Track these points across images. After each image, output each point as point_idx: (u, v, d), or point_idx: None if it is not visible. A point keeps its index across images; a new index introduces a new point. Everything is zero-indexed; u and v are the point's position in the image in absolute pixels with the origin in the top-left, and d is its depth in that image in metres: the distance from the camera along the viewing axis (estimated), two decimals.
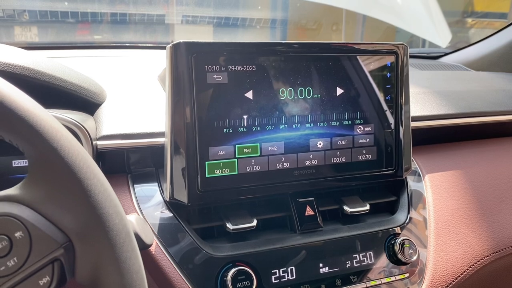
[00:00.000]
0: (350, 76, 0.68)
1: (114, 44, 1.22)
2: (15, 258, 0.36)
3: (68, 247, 0.38)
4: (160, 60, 1.04)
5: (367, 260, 0.67)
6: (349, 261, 0.66)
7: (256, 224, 0.64)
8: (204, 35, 1.58)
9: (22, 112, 0.37)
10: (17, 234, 0.37)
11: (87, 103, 0.67)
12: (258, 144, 0.64)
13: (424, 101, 0.90)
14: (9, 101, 0.36)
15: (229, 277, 0.58)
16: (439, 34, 1.82)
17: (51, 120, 0.39)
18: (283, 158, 0.65)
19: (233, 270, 0.59)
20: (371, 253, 0.68)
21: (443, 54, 1.52)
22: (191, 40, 0.60)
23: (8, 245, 0.36)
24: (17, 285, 0.36)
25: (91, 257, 0.38)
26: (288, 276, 0.63)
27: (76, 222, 0.38)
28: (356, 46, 0.68)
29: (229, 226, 0.63)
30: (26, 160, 0.70)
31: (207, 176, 0.61)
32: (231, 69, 0.62)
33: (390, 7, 1.90)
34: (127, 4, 1.44)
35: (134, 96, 0.76)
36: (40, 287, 0.37)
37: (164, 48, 1.21)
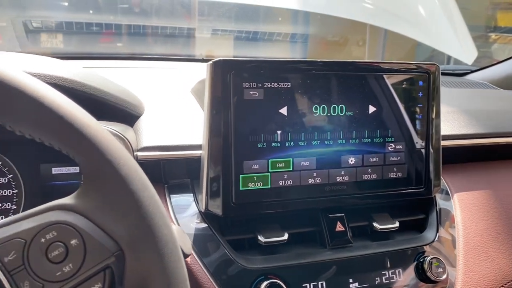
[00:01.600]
0: (383, 94, 0.69)
1: (145, 56, 1.25)
2: (70, 265, 0.38)
3: (119, 256, 0.39)
4: (190, 73, 1.07)
5: (396, 277, 0.68)
6: (378, 278, 0.67)
7: (287, 238, 0.66)
8: (225, 48, 1.60)
9: (79, 126, 0.39)
10: (73, 242, 0.38)
11: (127, 115, 0.70)
12: (291, 159, 0.65)
13: (453, 120, 0.90)
14: (68, 115, 0.39)
15: None
16: (464, 51, 1.82)
17: (105, 133, 0.41)
18: (315, 173, 0.67)
19: (266, 282, 0.60)
20: (400, 270, 0.69)
21: (468, 71, 1.52)
22: (230, 58, 0.62)
23: (64, 251, 0.38)
24: None
25: (140, 266, 0.40)
26: None
27: (128, 232, 0.39)
28: (389, 66, 0.69)
29: (261, 238, 0.65)
30: (66, 168, 0.73)
31: (241, 189, 0.63)
32: (267, 86, 0.63)
33: (415, 22, 1.90)
34: (149, 16, 1.48)
35: (169, 109, 0.79)
36: None
37: (195, 61, 1.23)
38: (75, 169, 0.74)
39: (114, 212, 0.39)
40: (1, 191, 0.70)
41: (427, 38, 1.85)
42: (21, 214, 0.39)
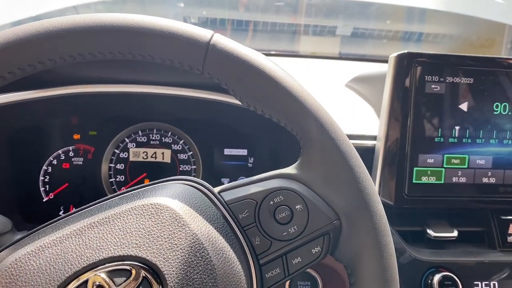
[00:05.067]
0: None
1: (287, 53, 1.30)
2: (295, 227, 0.42)
3: (337, 224, 0.42)
4: (328, 69, 1.10)
5: None
6: None
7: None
8: (330, 46, 1.59)
9: (308, 106, 0.42)
10: (298, 207, 0.42)
11: None
12: (467, 156, 0.65)
13: None
14: (300, 97, 0.42)
15: (435, 281, 0.60)
16: None
17: (327, 113, 0.44)
18: (489, 173, 0.65)
19: (439, 275, 0.60)
20: None
21: None
22: (415, 51, 0.63)
23: (290, 214, 0.42)
24: (295, 250, 0.42)
25: (355, 236, 0.42)
26: None
27: (346, 203, 0.42)
28: None
29: (431, 232, 0.65)
30: (236, 150, 0.79)
31: (414, 181, 0.64)
32: (449, 80, 0.64)
33: None
34: (255, 12, 1.50)
35: (328, 101, 0.82)
36: (312, 255, 0.42)
37: (330, 58, 1.25)
38: (243, 151, 0.80)
39: (334, 185, 0.42)
40: (182, 166, 0.78)
41: None
42: (247, 180, 0.44)
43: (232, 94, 0.42)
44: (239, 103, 0.44)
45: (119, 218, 0.37)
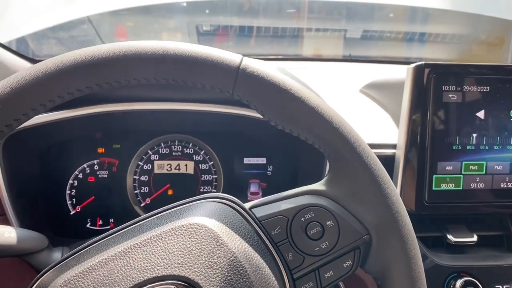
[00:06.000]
0: None
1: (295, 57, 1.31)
2: (326, 242, 0.43)
3: (367, 239, 0.44)
4: (337, 72, 1.12)
5: None
6: None
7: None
8: (333, 47, 1.59)
9: (337, 126, 0.44)
10: (328, 223, 0.44)
11: None
12: (484, 162, 0.66)
13: None
14: (328, 115, 0.44)
15: (458, 286, 0.62)
16: None
17: (354, 130, 0.46)
18: (507, 178, 0.67)
19: (461, 280, 0.62)
20: None
21: None
22: (432, 62, 0.64)
23: (321, 230, 0.44)
24: (327, 264, 0.43)
25: (385, 249, 0.44)
26: None
27: (375, 218, 0.44)
28: None
29: (451, 238, 0.66)
30: (255, 159, 0.81)
31: (433, 188, 0.66)
32: (466, 89, 0.65)
33: None
34: (265, 18, 1.52)
35: (343, 108, 0.83)
36: (344, 269, 0.44)
37: (342, 61, 1.26)
38: (262, 160, 0.82)
39: (363, 201, 0.44)
40: (204, 176, 0.80)
41: None
42: (277, 196, 0.45)
43: (261, 114, 0.43)
44: (257, 115, 0.46)
45: (161, 239, 0.39)
